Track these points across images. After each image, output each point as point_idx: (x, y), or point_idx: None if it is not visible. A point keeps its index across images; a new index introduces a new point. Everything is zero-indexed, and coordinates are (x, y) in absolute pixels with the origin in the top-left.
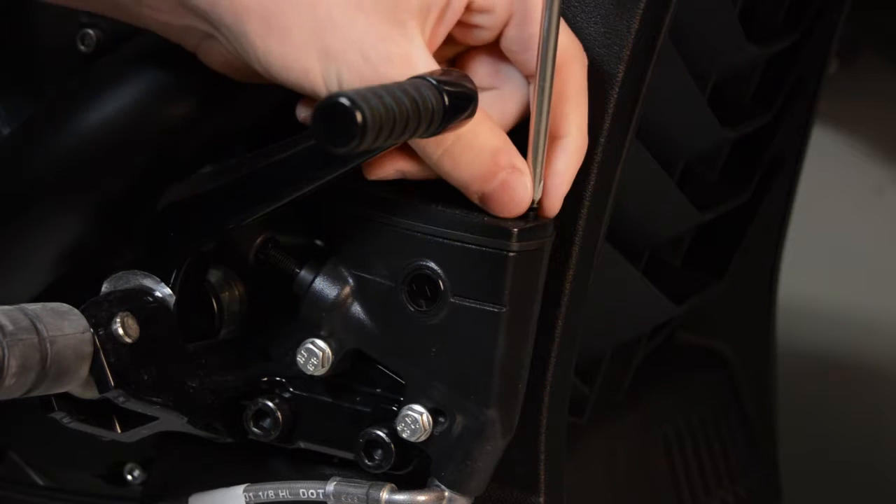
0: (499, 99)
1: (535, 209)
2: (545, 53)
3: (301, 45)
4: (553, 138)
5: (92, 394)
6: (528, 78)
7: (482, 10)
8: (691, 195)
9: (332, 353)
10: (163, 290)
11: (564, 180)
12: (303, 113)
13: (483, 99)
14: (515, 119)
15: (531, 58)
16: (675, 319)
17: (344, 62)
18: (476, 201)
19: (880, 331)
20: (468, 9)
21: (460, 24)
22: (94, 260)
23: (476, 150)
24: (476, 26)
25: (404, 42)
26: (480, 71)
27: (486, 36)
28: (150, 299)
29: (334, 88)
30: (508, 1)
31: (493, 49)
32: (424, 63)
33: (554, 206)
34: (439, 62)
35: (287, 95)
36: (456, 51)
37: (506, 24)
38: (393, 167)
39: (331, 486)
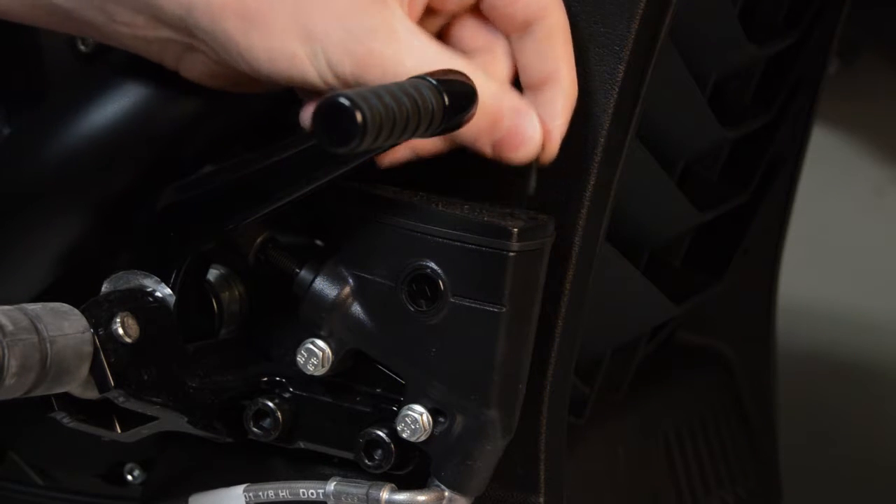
0: (490, 60)
1: (535, 213)
2: None
3: (283, 33)
4: (547, 82)
5: (92, 394)
6: (509, 35)
7: None
8: (691, 195)
9: (332, 353)
10: (163, 290)
11: (563, 122)
12: (307, 119)
13: (475, 62)
14: (508, 78)
15: (516, 10)
16: (675, 319)
17: (328, 42)
18: (489, 155)
19: (880, 331)
20: None
21: None
22: (94, 260)
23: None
24: None
25: (386, 13)
26: (467, 35)
27: None
28: (150, 299)
29: (323, 70)
30: None
31: (476, 12)
32: (408, 32)
33: (553, 149)
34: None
35: (285, 95)
36: (440, 23)
37: None
38: (404, 147)
39: (331, 486)
